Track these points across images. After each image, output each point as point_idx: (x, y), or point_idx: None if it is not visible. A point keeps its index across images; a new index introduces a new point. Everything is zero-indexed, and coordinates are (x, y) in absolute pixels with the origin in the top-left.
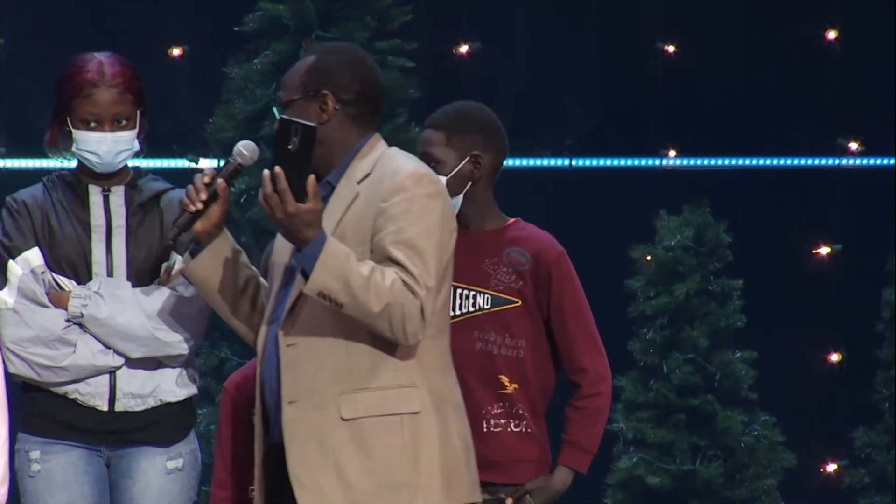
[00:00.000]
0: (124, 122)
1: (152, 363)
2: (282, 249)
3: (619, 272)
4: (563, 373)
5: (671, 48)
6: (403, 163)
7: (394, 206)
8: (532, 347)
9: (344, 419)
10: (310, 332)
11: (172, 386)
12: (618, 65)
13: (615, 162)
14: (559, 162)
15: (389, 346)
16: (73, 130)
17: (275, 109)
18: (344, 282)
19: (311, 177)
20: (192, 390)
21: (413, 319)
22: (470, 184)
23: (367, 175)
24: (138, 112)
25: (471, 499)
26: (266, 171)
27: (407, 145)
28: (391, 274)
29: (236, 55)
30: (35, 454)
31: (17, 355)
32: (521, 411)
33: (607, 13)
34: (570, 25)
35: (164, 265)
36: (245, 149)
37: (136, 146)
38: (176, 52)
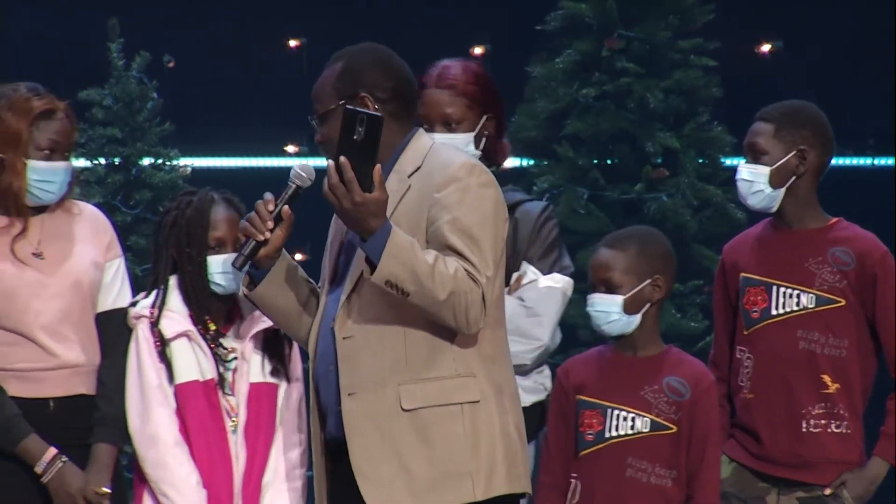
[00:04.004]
0: (454, 126)
1: None
2: (332, 252)
3: None
4: (881, 371)
5: None
6: (454, 155)
7: (448, 195)
8: (855, 347)
9: (404, 409)
10: (366, 324)
11: (521, 393)
12: None
13: None
14: (862, 161)
15: (447, 335)
16: None
17: (312, 119)
18: (410, 270)
19: (377, 166)
20: (538, 396)
21: (475, 307)
22: (793, 178)
23: (418, 168)
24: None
25: (527, 489)
26: (331, 162)
27: (709, 144)
28: (453, 262)
29: (538, 54)
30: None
31: None
32: (841, 411)
33: None
34: (867, 25)
35: (514, 274)
36: (302, 170)
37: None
38: (478, 50)
